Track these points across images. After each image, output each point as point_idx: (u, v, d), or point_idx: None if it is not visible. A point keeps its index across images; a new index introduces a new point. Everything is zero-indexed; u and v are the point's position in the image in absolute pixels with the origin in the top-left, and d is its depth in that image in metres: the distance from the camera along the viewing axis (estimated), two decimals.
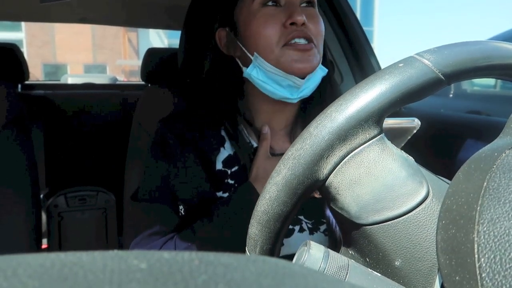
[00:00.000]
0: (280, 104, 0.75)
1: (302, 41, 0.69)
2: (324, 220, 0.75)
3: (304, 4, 0.73)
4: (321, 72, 0.74)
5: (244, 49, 0.73)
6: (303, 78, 0.70)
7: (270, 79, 0.71)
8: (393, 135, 0.38)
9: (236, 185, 0.75)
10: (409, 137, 0.37)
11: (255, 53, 0.71)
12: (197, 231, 0.70)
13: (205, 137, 0.76)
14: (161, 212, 0.74)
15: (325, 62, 0.77)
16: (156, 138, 0.79)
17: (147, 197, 0.76)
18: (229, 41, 0.76)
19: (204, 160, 0.75)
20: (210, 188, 0.74)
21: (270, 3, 0.71)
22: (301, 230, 0.74)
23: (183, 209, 0.74)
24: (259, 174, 0.73)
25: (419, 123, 0.40)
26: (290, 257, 0.31)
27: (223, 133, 0.78)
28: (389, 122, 0.35)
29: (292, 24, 0.69)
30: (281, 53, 0.69)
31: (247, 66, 0.73)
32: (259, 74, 0.71)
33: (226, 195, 0.74)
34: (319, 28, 0.72)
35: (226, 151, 0.77)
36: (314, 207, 0.75)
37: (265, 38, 0.69)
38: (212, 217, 0.70)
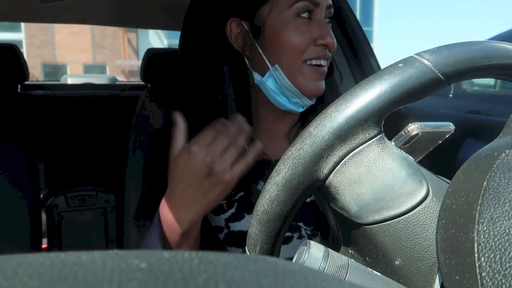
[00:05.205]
0: (283, 113, 0.74)
1: (322, 62, 0.70)
2: (323, 227, 0.74)
3: (327, 20, 0.72)
4: None
5: (263, 55, 0.69)
6: (313, 98, 0.72)
7: (282, 93, 0.70)
8: (430, 139, 0.38)
9: (233, 193, 0.71)
10: (440, 142, 0.37)
11: (276, 65, 0.68)
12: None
13: None
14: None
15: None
16: (151, 151, 0.75)
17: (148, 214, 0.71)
18: (242, 36, 0.70)
19: None
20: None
21: (304, 15, 0.68)
22: (300, 236, 0.72)
23: None
24: (174, 175, 0.57)
25: (454, 127, 0.40)
26: (289, 260, 0.31)
27: None
28: (426, 126, 0.36)
29: (322, 44, 0.68)
30: (301, 70, 0.68)
31: (255, 69, 0.70)
32: (274, 85, 0.70)
33: (230, 207, 0.71)
34: (335, 46, 0.71)
35: None
36: (313, 214, 0.74)
37: (294, 49, 0.67)
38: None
